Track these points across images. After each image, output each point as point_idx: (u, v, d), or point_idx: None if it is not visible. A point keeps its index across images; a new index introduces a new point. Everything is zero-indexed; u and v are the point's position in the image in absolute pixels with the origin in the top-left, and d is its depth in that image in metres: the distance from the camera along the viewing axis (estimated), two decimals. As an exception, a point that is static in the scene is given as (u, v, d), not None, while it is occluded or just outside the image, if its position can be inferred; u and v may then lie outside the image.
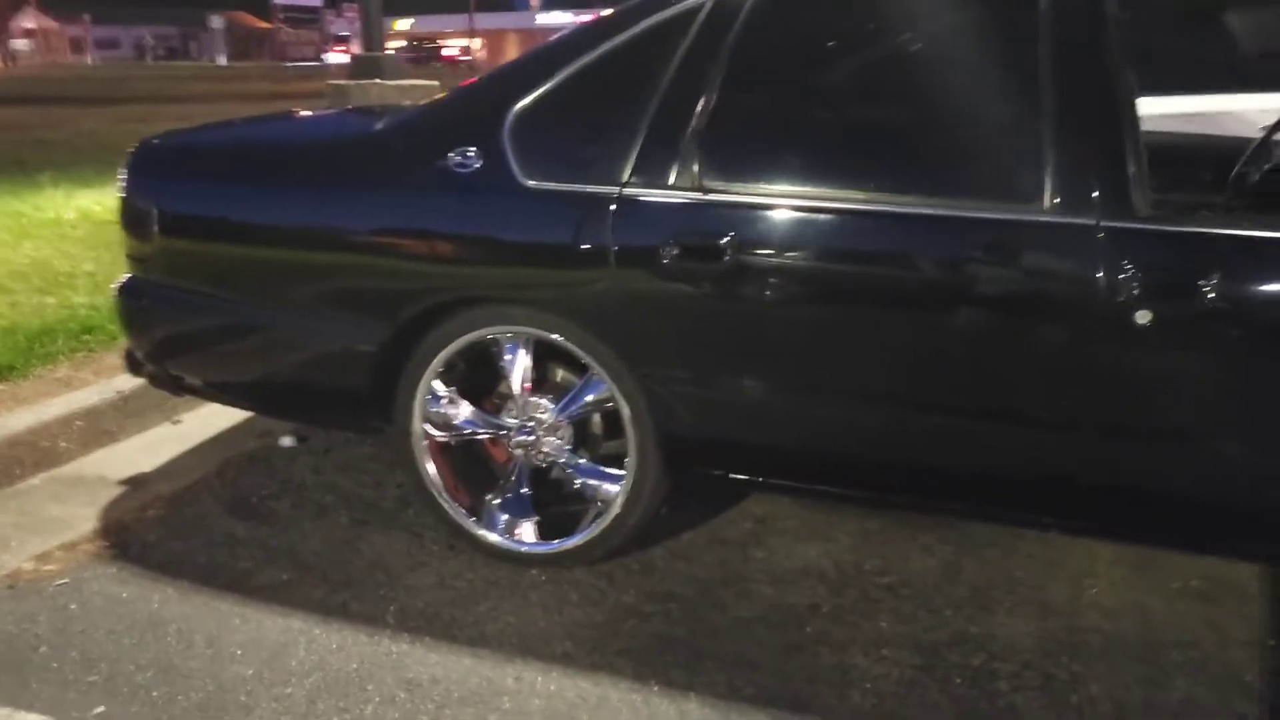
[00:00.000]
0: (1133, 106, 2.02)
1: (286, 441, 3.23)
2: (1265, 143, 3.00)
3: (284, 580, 2.48)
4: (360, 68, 9.10)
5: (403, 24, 55.82)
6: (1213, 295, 1.88)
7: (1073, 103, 2.02)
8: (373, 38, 9.31)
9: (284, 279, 2.60)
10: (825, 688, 2.07)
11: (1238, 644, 2.20)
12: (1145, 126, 2.11)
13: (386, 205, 2.47)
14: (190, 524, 2.74)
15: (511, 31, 62.91)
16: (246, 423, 3.36)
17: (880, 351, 2.17)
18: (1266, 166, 2.92)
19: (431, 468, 2.54)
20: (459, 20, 54.58)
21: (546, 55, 2.51)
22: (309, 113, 3.75)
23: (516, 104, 2.38)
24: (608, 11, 2.69)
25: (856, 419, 2.24)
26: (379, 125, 2.72)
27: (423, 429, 2.51)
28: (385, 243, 2.46)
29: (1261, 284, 1.92)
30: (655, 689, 2.07)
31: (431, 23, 61.11)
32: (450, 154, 2.37)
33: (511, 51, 61.51)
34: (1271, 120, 3.00)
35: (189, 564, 2.53)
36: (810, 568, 2.52)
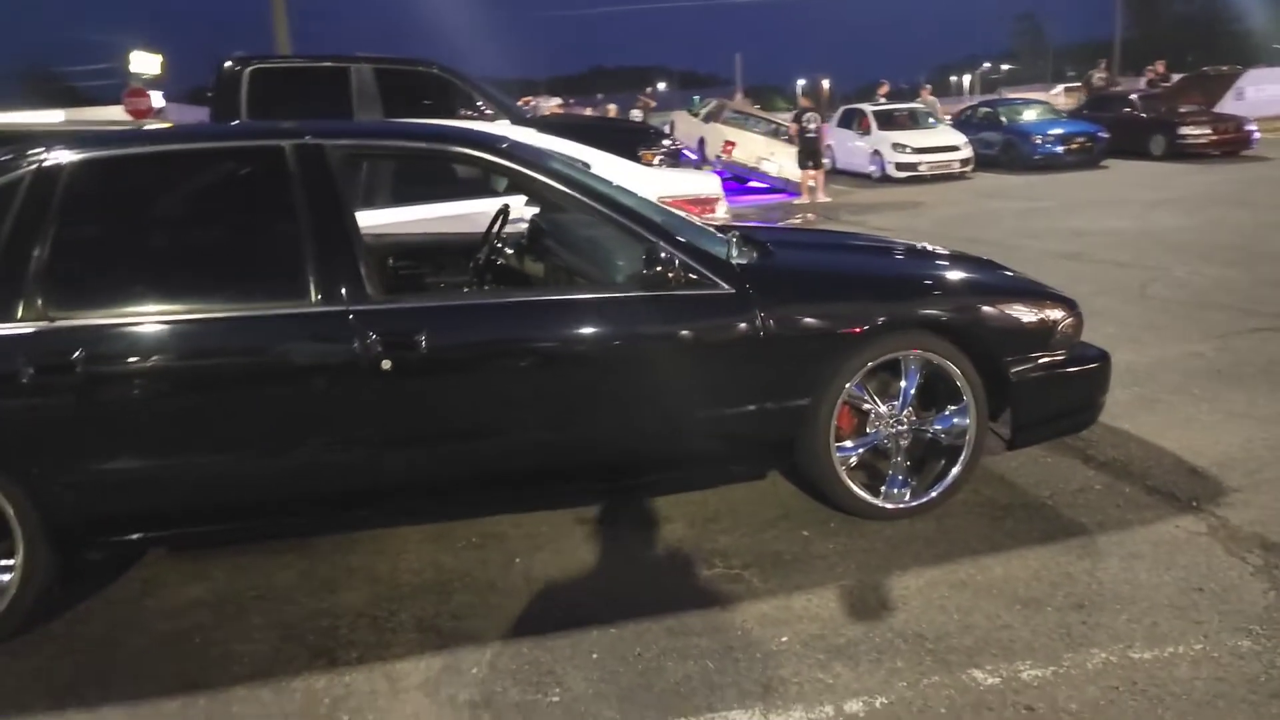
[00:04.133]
0: (357, 228, 3.09)
1: None
2: (488, 235, 4.42)
3: None
4: None
5: None
6: (425, 344, 3.01)
7: (319, 230, 3.04)
8: None
9: None
10: (214, 669, 2.80)
11: (499, 569, 3.36)
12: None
13: None
14: None
15: None
16: None
17: (216, 418, 2.98)
18: (490, 254, 4.35)
19: None
20: None
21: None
22: None
23: None
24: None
25: (210, 472, 3.00)
26: None
27: None
28: None
29: (449, 334, 3.11)
30: (72, 709, 2.61)
31: None
32: None
33: None
34: (489, 218, 4.43)
35: None
36: (196, 601, 3.19)
